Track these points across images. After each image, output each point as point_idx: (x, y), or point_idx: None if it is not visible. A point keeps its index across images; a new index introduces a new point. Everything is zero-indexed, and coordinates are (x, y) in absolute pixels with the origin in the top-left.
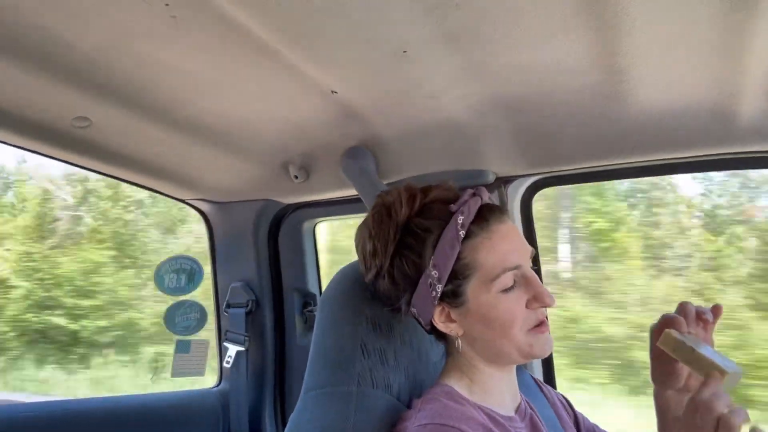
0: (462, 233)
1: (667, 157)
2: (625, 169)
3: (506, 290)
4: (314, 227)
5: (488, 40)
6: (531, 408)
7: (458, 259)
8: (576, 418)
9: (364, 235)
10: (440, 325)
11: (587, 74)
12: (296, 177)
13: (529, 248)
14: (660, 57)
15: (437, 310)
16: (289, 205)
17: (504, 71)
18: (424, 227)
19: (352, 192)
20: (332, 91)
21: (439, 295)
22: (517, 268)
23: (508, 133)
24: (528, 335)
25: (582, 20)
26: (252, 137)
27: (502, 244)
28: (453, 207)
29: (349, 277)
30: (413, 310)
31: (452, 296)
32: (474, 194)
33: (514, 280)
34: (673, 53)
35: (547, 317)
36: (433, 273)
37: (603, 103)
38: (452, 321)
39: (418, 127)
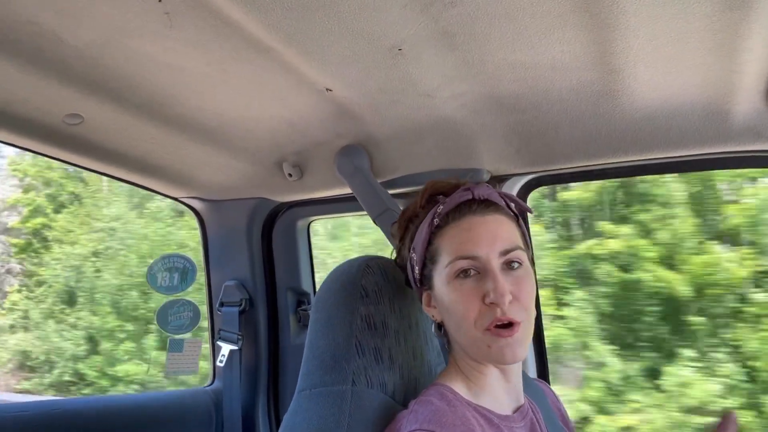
0: (436, 221)
1: (661, 156)
2: (620, 168)
3: (459, 278)
4: (308, 225)
5: (484, 38)
6: (534, 412)
7: (429, 244)
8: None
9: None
10: (425, 309)
11: (582, 72)
12: (290, 175)
13: (504, 244)
14: (655, 55)
15: (424, 295)
16: (283, 204)
17: (499, 69)
18: (417, 215)
19: (346, 190)
20: (327, 89)
21: (418, 277)
22: (473, 257)
23: (503, 131)
24: (486, 334)
25: (577, 18)
26: (246, 135)
27: (464, 234)
28: (440, 198)
29: (343, 276)
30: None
31: (428, 281)
32: (466, 188)
33: (472, 271)
34: (668, 52)
35: (516, 323)
36: (412, 255)
37: (598, 102)
38: (433, 306)
39: (413, 125)
